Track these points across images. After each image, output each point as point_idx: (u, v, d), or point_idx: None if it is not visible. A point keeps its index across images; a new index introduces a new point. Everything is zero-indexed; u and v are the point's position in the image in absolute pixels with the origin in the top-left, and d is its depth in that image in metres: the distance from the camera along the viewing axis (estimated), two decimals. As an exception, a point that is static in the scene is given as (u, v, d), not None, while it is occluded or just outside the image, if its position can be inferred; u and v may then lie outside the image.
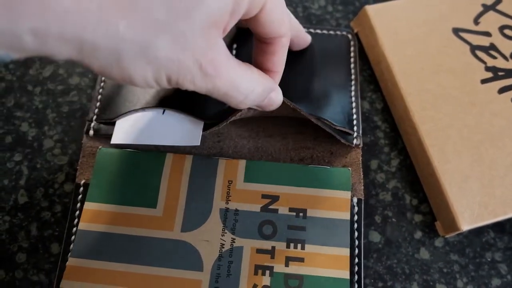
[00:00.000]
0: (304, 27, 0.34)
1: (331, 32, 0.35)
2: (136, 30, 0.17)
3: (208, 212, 0.27)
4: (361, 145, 0.30)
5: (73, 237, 0.27)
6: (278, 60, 0.25)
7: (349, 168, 0.29)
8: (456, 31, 0.32)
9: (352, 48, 0.34)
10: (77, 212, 0.28)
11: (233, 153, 0.30)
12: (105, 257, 0.26)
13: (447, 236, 0.29)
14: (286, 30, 0.24)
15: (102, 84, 0.32)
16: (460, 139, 0.29)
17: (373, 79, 0.35)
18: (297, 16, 0.37)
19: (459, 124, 0.29)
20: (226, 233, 0.27)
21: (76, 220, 0.28)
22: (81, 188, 0.29)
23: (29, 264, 0.28)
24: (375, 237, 0.30)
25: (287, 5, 0.38)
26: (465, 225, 0.27)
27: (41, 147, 0.31)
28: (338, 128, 0.30)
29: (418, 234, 0.30)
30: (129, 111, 0.29)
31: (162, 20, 0.17)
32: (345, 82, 0.33)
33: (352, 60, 0.34)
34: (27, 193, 0.30)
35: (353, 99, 0.32)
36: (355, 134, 0.30)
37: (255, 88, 0.23)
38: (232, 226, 0.27)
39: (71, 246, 0.27)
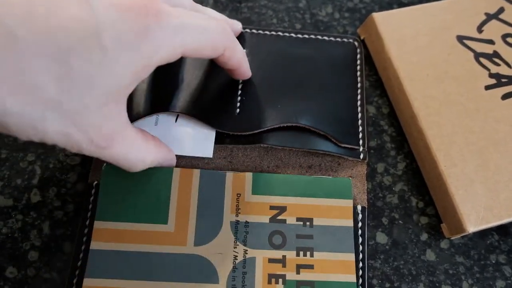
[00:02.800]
0: (310, 33, 0.35)
1: (338, 39, 0.35)
2: (24, 106, 0.17)
3: (219, 226, 0.28)
4: (366, 160, 0.31)
5: (81, 254, 0.27)
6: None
7: (350, 178, 0.30)
8: (461, 38, 0.33)
9: (358, 56, 0.35)
10: (89, 213, 0.28)
11: (243, 156, 0.31)
12: (120, 276, 0.26)
13: (452, 238, 0.30)
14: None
15: None
16: (465, 144, 0.30)
17: (379, 84, 0.35)
18: (304, 23, 0.38)
19: (464, 129, 0.30)
20: (238, 245, 0.27)
21: (88, 221, 0.28)
22: (93, 189, 0.29)
23: (41, 262, 0.28)
24: (382, 238, 0.31)
25: (294, 12, 0.39)
26: (471, 227, 0.27)
27: (54, 147, 0.32)
28: (343, 146, 0.30)
29: (424, 236, 0.31)
30: (142, 116, 0.30)
31: (52, 97, 0.18)
32: (351, 91, 0.33)
33: (358, 68, 0.34)
34: (40, 192, 0.30)
35: (359, 109, 0.32)
36: (361, 149, 0.31)
37: (145, 158, 0.25)
38: (244, 238, 0.28)
39: (80, 262, 0.27)
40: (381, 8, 0.39)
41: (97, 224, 0.27)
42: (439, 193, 0.30)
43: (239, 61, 0.28)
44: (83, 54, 0.18)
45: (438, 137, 0.30)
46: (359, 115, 0.32)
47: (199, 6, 0.28)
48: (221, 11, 0.38)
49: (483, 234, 0.31)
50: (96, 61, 0.18)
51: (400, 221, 0.31)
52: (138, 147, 0.24)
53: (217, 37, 0.24)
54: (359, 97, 0.33)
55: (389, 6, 0.39)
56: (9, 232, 0.29)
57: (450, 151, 0.29)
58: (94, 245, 0.27)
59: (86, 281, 0.26)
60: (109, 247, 0.27)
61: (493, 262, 0.30)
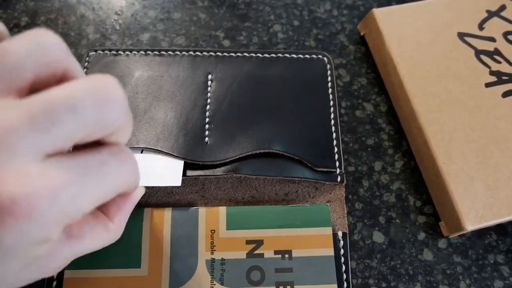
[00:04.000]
0: (277, 51, 0.34)
1: (307, 55, 0.34)
2: None
3: (195, 265, 0.27)
4: (344, 182, 0.30)
5: (54, 282, 0.26)
6: None
7: (328, 204, 0.29)
8: (462, 35, 0.33)
9: (329, 72, 0.33)
10: None
11: (215, 188, 0.30)
12: None
13: (451, 236, 0.29)
14: None
15: None
16: (465, 141, 0.29)
17: (378, 82, 0.35)
18: (302, 20, 0.38)
19: (464, 126, 0.30)
20: (215, 284, 0.26)
21: None
22: None
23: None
24: (379, 237, 0.30)
25: (292, 8, 0.38)
26: (470, 225, 0.27)
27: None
28: (320, 170, 0.30)
29: (422, 236, 0.30)
30: None
31: None
32: (324, 111, 0.32)
33: (329, 85, 0.33)
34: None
35: (333, 128, 0.31)
36: (337, 171, 0.30)
37: (112, 240, 0.22)
38: (221, 277, 0.27)
39: None
40: (380, 6, 0.39)
41: (67, 274, 0.26)
42: (438, 191, 0.29)
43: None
44: None
45: (438, 134, 0.29)
46: (334, 135, 0.31)
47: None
48: (218, 7, 0.38)
49: (481, 233, 0.30)
50: None
51: (397, 220, 0.31)
52: (97, 242, 0.21)
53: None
54: (332, 115, 0.32)
55: (388, 4, 0.39)
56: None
57: (449, 148, 0.29)
58: None
59: None
60: None
61: (491, 262, 0.30)
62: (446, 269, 0.29)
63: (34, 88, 0.16)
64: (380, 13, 0.34)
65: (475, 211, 0.27)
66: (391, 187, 0.32)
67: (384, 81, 0.34)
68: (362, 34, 0.36)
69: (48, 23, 0.35)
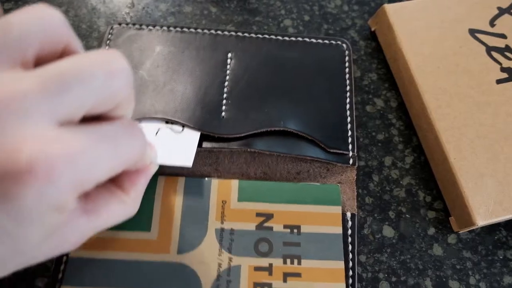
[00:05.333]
0: (298, 35, 0.34)
1: (326, 41, 0.34)
2: None
3: (204, 233, 0.27)
4: (356, 165, 0.30)
5: (62, 266, 0.26)
6: None
7: (339, 184, 0.29)
8: (473, 32, 0.33)
9: (347, 58, 0.34)
10: None
11: (229, 163, 0.30)
12: (100, 284, 0.25)
13: (460, 231, 0.29)
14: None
15: None
16: (476, 137, 0.29)
17: (388, 78, 0.35)
18: (313, 15, 0.38)
19: (474, 122, 0.30)
20: (223, 252, 0.27)
21: None
22: None
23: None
24: (389, 232, 0.30)
25: (303, 3, 0.38)
26: (480, 221, 0.27)
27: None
28: (332, 151, 0.30)
29: (432, 231, 0.30)
30: None
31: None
32: (340, 94, 0.32)
33: (347, 70, 0.33)
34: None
35: (348, 113, 0.32)
36: (350, 154, 0.30)
37: (128, 215, 0.22)
38: (229, 246, 0.27)
39: (60, 274, 0.26)
40: (391, 1, 0.39)
41: None
42: (448, 186, 0.29)
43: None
44: None
45: (448, 130, 0.29)
46: (348, 119, 0.31)
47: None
48: (228, 1, 0.38)
49: (490, 229, 0.31)
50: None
51: (407, 215, 0.31)
52: (114, 216, 0.21)
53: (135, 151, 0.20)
54: (348, 100, 0.32)
55: None
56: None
57: (460, 143, 0.29)
58: (73, 253, 0.26)
59: None
60: (89, 255, 0.26)
61: (501, 257, 0.30)
62: (456, 264, 0.29)
63: (37, 63, 0.17)
64: (391, 9, 0.34)
65: (485, 207, 0.27)
66: (401, 182, 0.32)
67: (394, 76, 0.34)
68: (372, 29, 0.36)
69: (60, 15, 0.35)
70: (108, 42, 0.33)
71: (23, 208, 0.15)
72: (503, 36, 0.33)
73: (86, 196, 0.19)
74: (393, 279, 0.29)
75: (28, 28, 0.16)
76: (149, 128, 0.29)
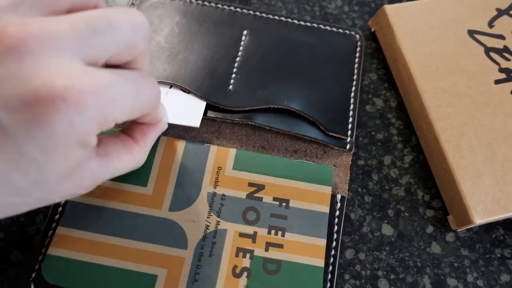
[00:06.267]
0: (313, 21, 0.36)
1: (340, 30, 0.36)
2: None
3: (196, 195, 0.29)
4: (353, 150, 0.31)
5: (60, 208, 0.28)
6: None
7: (333, 166, 0.30)
8: (472, 33, 0.33)
9: (358, 49, 0.35)
10: None
11: (230, 133, 0.31)
12: (94, 229, 0.27)
13: (459, 230, 0.30)
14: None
15: None
16: (475, 136, 0.30)
17: (388, 78, 0.35)
18: (313, 15, 0.38)
19: (473, 122, 0.30)
20: (211, 215, 0.28)
21: None
22: None
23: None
24: (388, 230, 0.31)
25: (304, 4, 0.39)
26: (478, 219, 0.27)
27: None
28: (331, 134, 0.31)
29: (430, 229, 0.31)
30: None
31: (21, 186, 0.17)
32: (346, 82, 0.33)
33: (356, 60, 0.34)
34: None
35: (352, 100, 0.33)
36: (348, 139, 0.31)
37: (135, 165, 0.25)
38: (218, 210, 0.28)
39: (57, 216, 0.28)
40: (391, 2, 0.39)
41: None
42: (447, 185, 0.30)
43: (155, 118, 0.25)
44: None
45: (447, 129, 0.30)
46: (351, 106, 0.32)
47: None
48: (231, 1, 0.38)
49: (488, 228, 0.31)
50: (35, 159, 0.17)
51: (406, 214, 0.31)
52: (123, 163, 0.23)
53: (149, 102, 0.22)
54: (353, 89, 0.33)
55: (399, 0, 0.39)
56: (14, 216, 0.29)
57: (459, 143, 0.29)
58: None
59: (60, 229, 0.27)
60: (87, 201, 0.28)
61: (498, 256, 0.30)
62: (454, 262, 0.30)
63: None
64: (391, 10, 0.34)
65: (483, 205, 0.28)
66: (400, 181, 0.32)
67: (394, 76, 0.35)
68: (373, 30, 0.37)
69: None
70: (131, 6, 0.35)
71: (53, 135, 0.16)
72: (501, 37, 0.33)
73: (100, 141, 0.21)
74: (392, 276, 0.29)
75: None
76: (160, 87, 0.30)
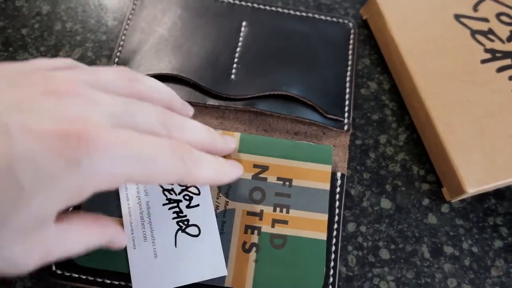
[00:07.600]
0: (308, 11, 0.38)
1: (334, 19, 0.37)
2: None
3: None
4: (350, 131, 0.33)
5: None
6: None
7: (332, 146, 0.32)
8: (457, 17, 0.35)
9: (352, 36, 0.37)
10: None
11: (234, 118, 0.33)
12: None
13: (453, 201, 0.32)
14: None
15: None
16: (464, 113, 0.32)
17: (380, 62, 0.37)
18: (308, 6, 0.40)
19: (462, 99, 0.32)
20: (220, 196, 0.30)
21: None
22: None
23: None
24: (386, 204, 0.32)
25: (298, -5, 0.41)
26: (470, 188, 0.29)
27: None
28: (329, 116, 0.33)
29: (426, 201, 0.33)
30: None
31: None
32: (341, 68, 0.35)
33: (350, 47, 0.36)
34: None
35: (348, 84, 0.35)
36: (345, 121, 0.33)
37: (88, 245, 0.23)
38: (226, 191, 0.30)
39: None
40: (381, -8, 0.41)
41: None
42: (440, 159, 0.32)
43: (202, 181, 0.24)
44: None
45: (438, 107, 0.32)
46: (347, 90, 0.35)
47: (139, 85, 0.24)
48: (228, -6, 0.40)
49: (480, 198, 0.33)
50: (10, 199, 0.17)
51: (402, 188, 0.33)
52: (79, 239, 0.22)
53: (169, 168, 0.21)
54: (348, 73, 0.35)
55: (388, -10, 0.41)
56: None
57: (449, 119, 0.31)
58: None
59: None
60: None
61: (491, 224, 0.32)
62: (449, 231, 0.32)
63: None
64: (381, -2, 0.36)
65: (474, 176, 0.30)
66: (395, 158, 0.34)
67: (386, 60, 0.36)
68: (364, 18, 0.38)
69: (69, 12, 0.37)
70: (135, 1, 0.36)
71: (96, 169, 0.18)
72: (485, 20, 0.35)
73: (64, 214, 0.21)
74: (392, 246, 0.31)
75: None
76: (146, 253, 0.28)
